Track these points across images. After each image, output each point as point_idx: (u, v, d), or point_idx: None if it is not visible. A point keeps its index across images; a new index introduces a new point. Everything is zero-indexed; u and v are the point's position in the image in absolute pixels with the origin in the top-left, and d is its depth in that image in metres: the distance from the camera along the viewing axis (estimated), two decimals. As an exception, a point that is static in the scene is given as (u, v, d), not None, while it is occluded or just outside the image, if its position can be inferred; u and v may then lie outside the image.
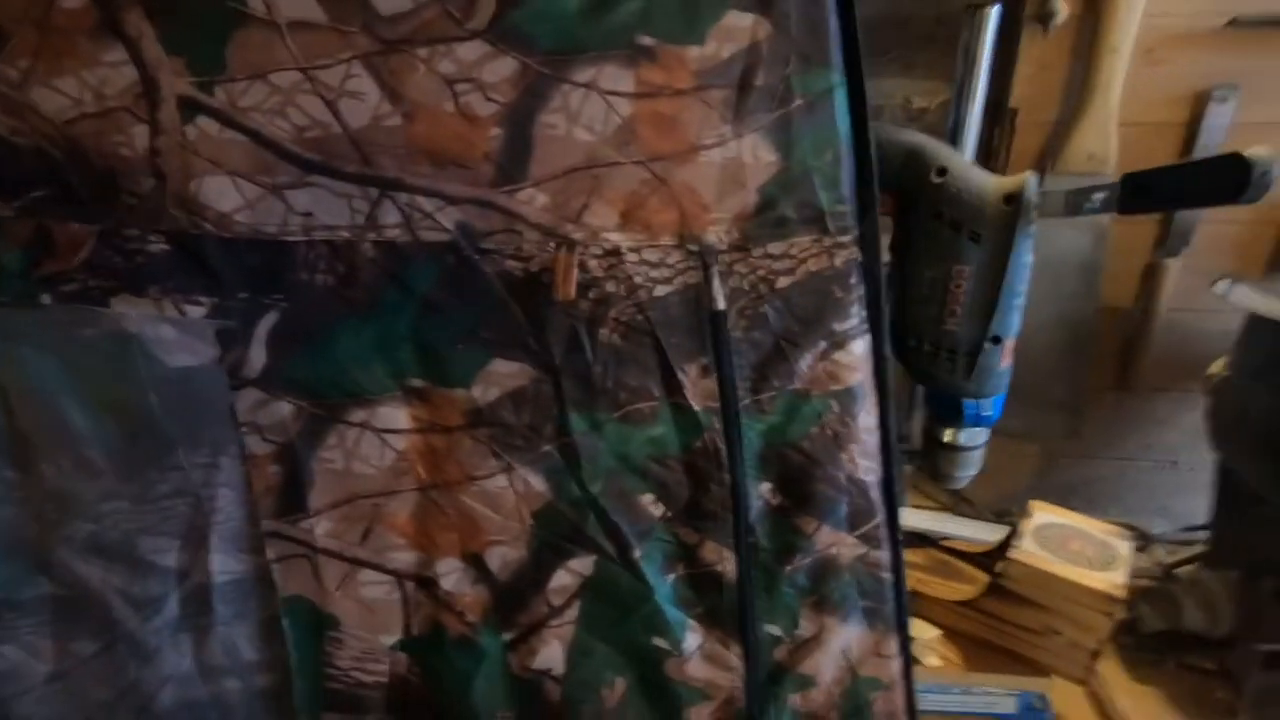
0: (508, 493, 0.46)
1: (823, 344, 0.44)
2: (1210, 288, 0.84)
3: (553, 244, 0.42)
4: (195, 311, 0.42)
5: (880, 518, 0.47)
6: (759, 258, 0.43)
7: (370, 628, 0.47)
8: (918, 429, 0.99)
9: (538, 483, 0.46)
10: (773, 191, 0.42)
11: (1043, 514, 0.88)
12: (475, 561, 0.46)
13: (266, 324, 0.43)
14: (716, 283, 0.43)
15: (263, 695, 0.48)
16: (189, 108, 0.40)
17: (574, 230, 0.43)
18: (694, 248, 0.43)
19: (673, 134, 0.42)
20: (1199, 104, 0.96)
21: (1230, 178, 0.42)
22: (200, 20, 0.40)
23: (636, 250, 0.43)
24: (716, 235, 0.43)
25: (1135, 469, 1.14)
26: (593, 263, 0.43)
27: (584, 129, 0.41)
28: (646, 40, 0.41)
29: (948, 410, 0.51)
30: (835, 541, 0.47)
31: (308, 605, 0.46)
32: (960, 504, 1.04)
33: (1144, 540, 1.00)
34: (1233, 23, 0.90)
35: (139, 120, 0.40)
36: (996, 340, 0.47)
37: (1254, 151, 0.41)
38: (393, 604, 0.47)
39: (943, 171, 0.46)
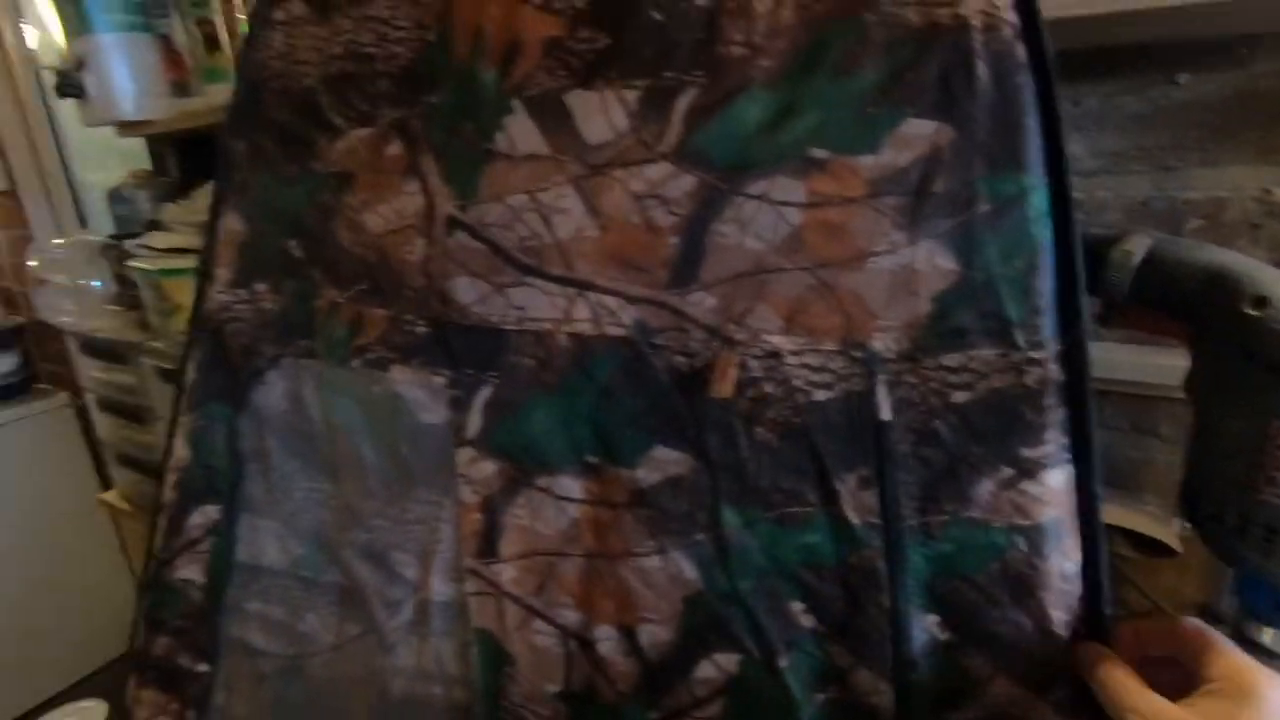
0: (661, 573, 0.44)
1: (1007, 470, 0.36)
2: None
3: (716, 343, 0.41)
4: (438, 381, 0.48)
5: (1074, 688, 0.36)
6: (931, 369, 0.37)
7: (538, 673, 0.47)
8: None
9: (689, 569, 0.43)
10: (950, 300, 0.36)
11: None
12: (628, 634, 0.45)
13: (483, 396, 0.47)
14: (882, 392, 0.38)
15: (456, 708, 0.51)
16: (451, 224, 0.47)
17: (737, 331, 0.40)
18: (858, 354, 0.38)
19: (841, 241, 0.38)
20: None
21: None
22: (466, 159, 0.47)
23: (798, 354, 0.39)
24: (883, 343, 0.38)
25: None
26: (753, 363, 0.40)
27: (754, 237, 0.40)
28: (818, 153, 0.38)
29: (1266, 604, 0.39)
30: (1016, 699, 0.37)
31: (492, 639, 0.49)
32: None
33: None
34: None
35: (420, 235, 0.48)
36: None
37: None
38: (558, 656, 0.47)
39: (1262, 302, 0.34)
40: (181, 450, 0.60)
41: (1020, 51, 0.35)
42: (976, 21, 0.35)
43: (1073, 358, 0.35)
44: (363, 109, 0.52)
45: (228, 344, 0.58)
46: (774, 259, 0.40)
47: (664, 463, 0.43)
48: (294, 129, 0.55)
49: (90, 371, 1.16)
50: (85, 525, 1.59)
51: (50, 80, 1.38)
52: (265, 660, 0.57)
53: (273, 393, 0.57)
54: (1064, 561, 0.36)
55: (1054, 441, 0.36)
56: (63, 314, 1.09)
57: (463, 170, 0.48)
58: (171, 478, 0.60)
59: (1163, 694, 0.31)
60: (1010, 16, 0.35)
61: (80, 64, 0.96)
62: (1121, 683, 0.32)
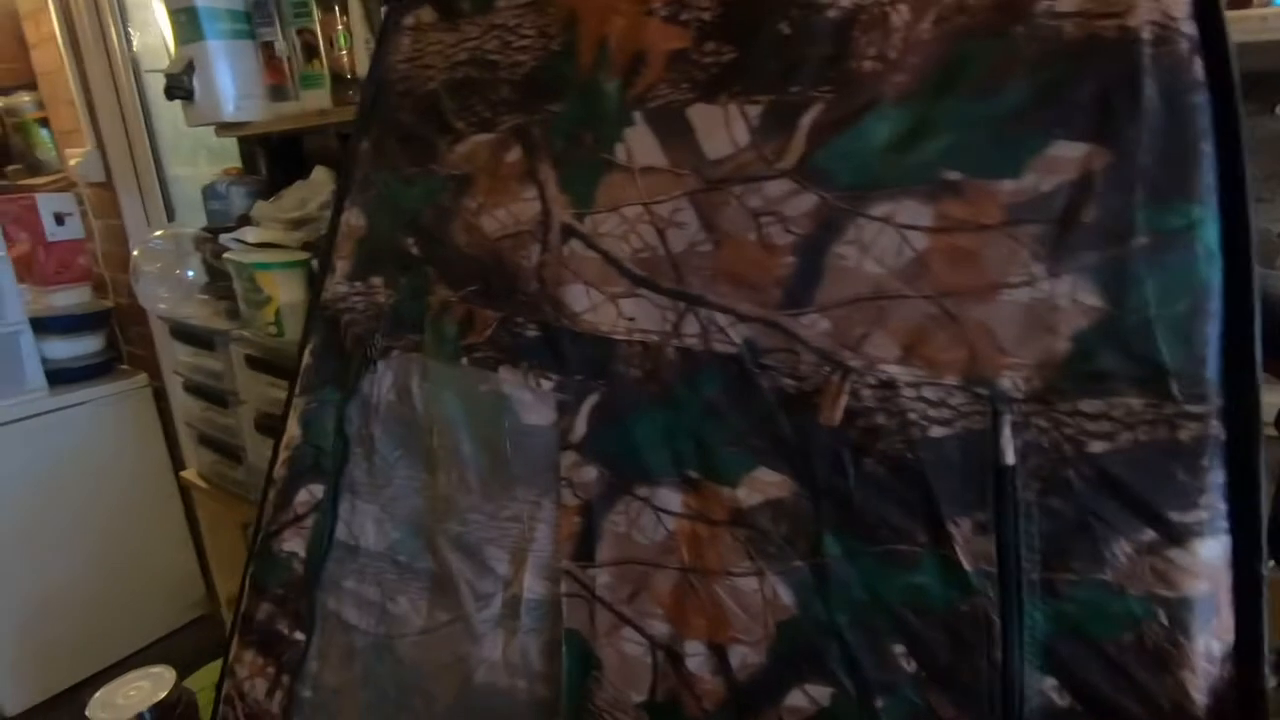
0: (756, 596, 0.43)
1: (1150, 533, 0.33)
2: None
3: (827, 368, 0.40)
4: (546, 385, 0.49)
5: None
6: (1066, 414, 0.34)
7: (624, 680, 0.47)
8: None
9: (785, 594, 0.42)
10: (1092, 340, 0.34)
11: None
12: (718, 652, 0.44)
13: (590, 402, 0.48)
14: (1006, 433, 0.35)
15: (539, 703, 0.52)
16: (566, 232, 0.48)
17: (851, 358, 0.39)
18: (982, 391, 0.36)
19: (971, 270, 0.36)
20: None
21: None
22: (584, 168, 0.47)
23: (915, 386, 0.37)
24: (1012, 381, 0.35)
25: None
26: (866, 392, 0.39)
27: (874, 261, 0.38)
28: (952, 175, 0.36)
29: None
30: None
31: (582, 641, 0.49)
32: None
33: None
34: None
35: (536, 241, 0.49)
36: None
37: None
38: (645, 665, 0.47)
39: None
40: (294, 429, 0.64)
41: (1198, 67, 0.32)
42: (1147, 34, 0.32)
43: (1240, 414, 0.32)
44: (484, 114, 0.53)
45: (343, 333, 0.62)
46: (895, 285, 0.38)
47: (766, 484, 0.43)
48: (417, 131, 0.57)
49: (179, 356, 1.22)
50: (156, 501, 1.69)
51: (152, 82, 1.49)
52: (358, 635, 0.60)
53: (381, 382, 0.59)
54: (1212, 641, 0.32)
55: (1210, 507, 0.32)
56: (159, 301, 1.15)
57: (580, 179, 0.48)
58: (284, 455, 0.64)
59: None
60: (1188, 28, 0.32)
61: (189, 68, 1.02)
62: None
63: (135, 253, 1.17)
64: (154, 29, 1.46)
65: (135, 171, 1.61)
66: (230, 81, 1.02)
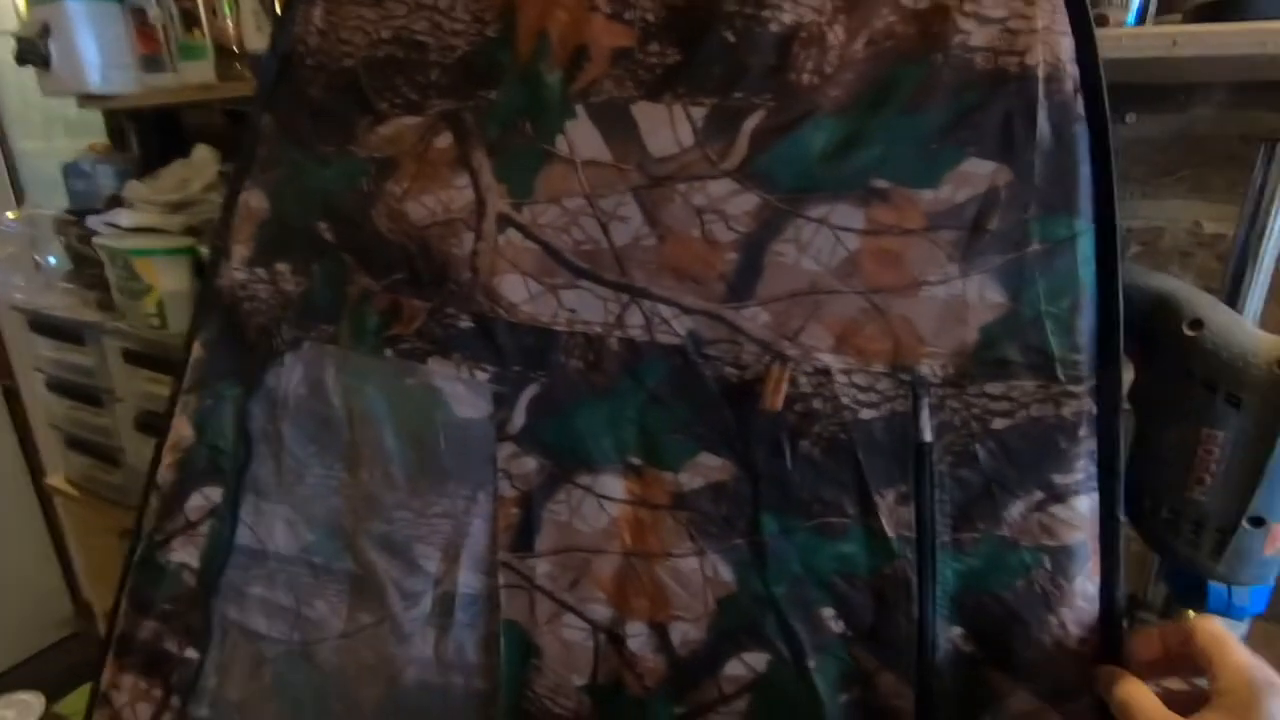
0: (697, 575, 0.45)
1: (1038, 494, 0.39)
2: None
3: (768, 358, 0.42)
4: (481, 376, 0.48)
5: (1089, 700, 0.39)
6: (974, 395, 0.39)
7: (565, 665, 0.48)
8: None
9: (725, 572, 0.44)
10: (996, 332, 0.38)
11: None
12: (660, 631, 0.46)
13: (529, 393, 0.48)
14: (925, 414, 0.40)
15: (477, 695, 0.51)
16: (503, 222, 0.47)
17: (789, 347, 0.42)
18: (905, 377, 0.40)
19: (897, 269, 0.40)
20: None
21: None
22: (522, 157, 0.46)
23: (847, 373, 0.41)
24: (930, 368, 0.40)
25: None
26: (803, 379, 0.42)
27: (811, 259, 0.41)
28: (881, 183, 0.39)
29: (1189, 591, 0.42)
30: (1034, 711, 0.40)
31: (521, 631, 0.49)
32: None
33: None
34: None
35: (469, 229, 0.48)
36: (1259, 522, 0.38)
37: None
38: (586, 650, 0.48)
39: (1198, 324, 0.39)
40: (184, 429, 0.58)
41: (1079, 103, 0.37)
42: (1041, 72, 0.37)
43: (1106, 392, 0.38)
44: (411, 97, 0.51)
45: (243, 322, 0.57)
46: (830, 281, 0.42)
47: (708, 469, 0.45)
48: (332, 108, 0.54)
49: (40, 351, 1.09)
50: (12, 511, 1.51)
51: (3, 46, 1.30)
52: (267, 644, 0.57)
53: (290, 375, 0.56)
54: (1086, 582, 0.39)
55: (1084, 470, 0.39)
56: (13, 291, 1.03)
57: (518, 169, 0.48)
58: (171, 457, 0.58)
59: (1178, 704, 0.34)
60: (1072, 70, 0.37)
61: (45, 31, 0.91)
62: (1135, 701, 0.35)
63: (-18, 236, 1.01)
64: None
65: (-27, 143, 1.36)
66: (94, 49, 0.91)
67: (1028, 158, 0.38)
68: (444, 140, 0.50)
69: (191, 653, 0.57)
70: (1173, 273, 0.80)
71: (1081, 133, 0.37)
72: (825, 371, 0.42)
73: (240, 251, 0.57)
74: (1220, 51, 0.47)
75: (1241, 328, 0.39)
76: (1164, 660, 0.36)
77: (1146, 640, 0.37)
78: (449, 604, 0.51)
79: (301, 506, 0.55)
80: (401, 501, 0.52)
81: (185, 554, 0.57)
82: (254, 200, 0.57)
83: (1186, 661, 0.35)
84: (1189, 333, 0.39)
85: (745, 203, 0.42)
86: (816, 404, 0.42)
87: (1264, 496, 0.38)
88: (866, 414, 0.41)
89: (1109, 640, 0.39)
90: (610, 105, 0.45)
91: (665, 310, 0.45)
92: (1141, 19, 0.57)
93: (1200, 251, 0.79)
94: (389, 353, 0.51)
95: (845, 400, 0.42)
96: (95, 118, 1.16)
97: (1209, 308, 0.39)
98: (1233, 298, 0.52)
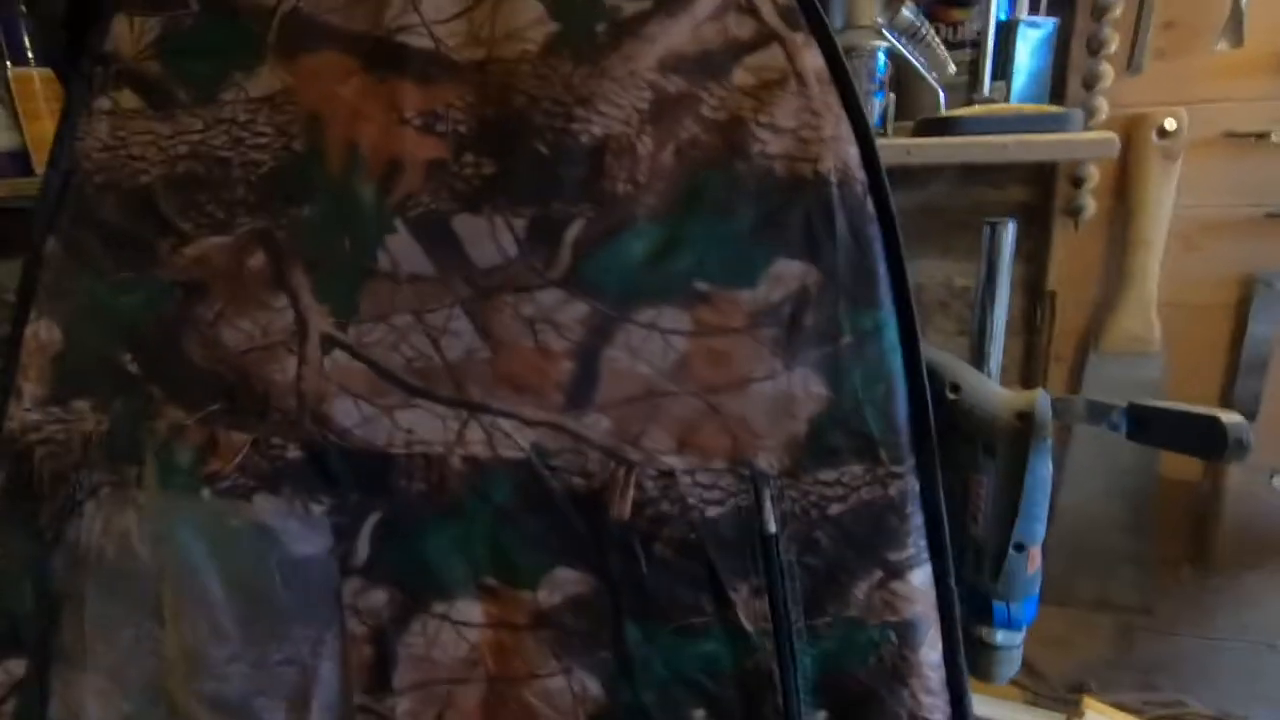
0: (566, 693, 0.43)
1: (878, 573, 0.40)
2: (1270, 480, 0.80)
3: (613, 464, 0.41)
4: (317, 509, 0.44)
5: None
6: (810, 484, 0.40)
7: None
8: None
9: (594, 686, 0.42)
10: (823, 422, 0.39)
11: (1095, 714, 0.77)
12: None
13: (372, 522, 0.44)
14: (768, 506, 0.40)
15: None
16: (328, 343, 0.44)
17: (633, 452, 0.41)
18: (745, 472, 0.40)
19: (726, 368, 0.40)
20: (1246, 287, 0.90)
21: (1211, 439, 0.37)
22: (343, 275, 0.43)
23: (690, 473, 0.40)
24: (768, 461, 0.40)
25: (1228, 650, 1.02)
26: (649, 483, 0.41)
27: (645, 363, 0.40)
28: (702, 286, 0.40)
29: (978, 609, 0.48)
30: None
31: None
32: (1032, 678, 0.95)
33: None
34: (1271, 215, 0.86)
35: (291, 353, 0.44)
36: (1020, 548, 0.44)
37: (1229, 418, 0.36)
38: None
39: (955, 388, 0.45)
40: (-29, 598, 0.51)
41: (870, 205, 0.40)
42: (834, 177, 0.40)
43: (925, 469, 0.41)
44: (218, 215, 0.47)
45: (35, 470, 0.51)
46: (664, 384, 0.42)
47: (565, 583, 0.44)
48: (128, 231, 0.49)
49: None
50: None
51: None
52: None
53: (91, 527, 0.49)
54: (930, 651, 0.40)
55: (914, 545, 0.40)
56: None
57: (339, 287, 0.45)
58: (-44, 633, 0.51)
59: None
60: (860, 174, 0.40)
61: None
62: None
63: None
64: None
65: None
66: None
67: (831, 258, 0.40)
68: (257, 260, 0.47)
69: None
70: (935, 322, 0.99)
71: (875, 232, 0.40)
72: (670, 473, 0.42)
73: (31, 390, 0.51)
74: (943, 160, 0.68)
75: (988, 387, 0.44)
76: None
77: None
78: (301, 762, 0.47)
79: (115, 673, 0.48)
80: (235, 654, 0.47)
81: None
82: (44, 332, 0.51)
83: None
84: (951, 396, 0.44)
85: (575, 311, 0.42)
86: (665, 506, 0.42)
87: (1022, 526, 0.43)
88: (713, 511, 0.42)
89: (957, 704, 0.41)
90: (429, 218, 0.44)
91: (506, 424, 0.43)
92: (883, 125, 0.75)
93: (955, 301, 0.97)
94: (206, 492, 0.47)
95: (692, 500, 0.42)
96: None
97: (963, 373, 0.45)
98: (980, 337, 0.61)
